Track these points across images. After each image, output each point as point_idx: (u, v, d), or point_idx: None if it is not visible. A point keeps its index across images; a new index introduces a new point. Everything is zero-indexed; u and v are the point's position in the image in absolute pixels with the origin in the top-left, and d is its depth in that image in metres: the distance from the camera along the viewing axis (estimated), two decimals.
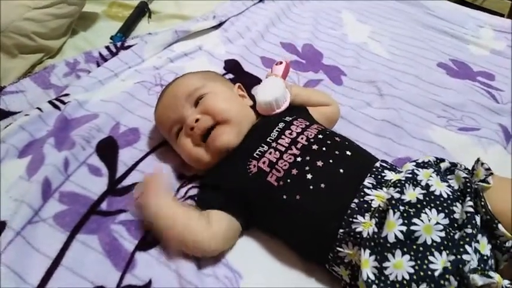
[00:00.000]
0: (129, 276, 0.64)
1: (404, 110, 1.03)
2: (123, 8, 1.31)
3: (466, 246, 0.56)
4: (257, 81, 1.05)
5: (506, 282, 0.57)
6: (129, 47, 1.11)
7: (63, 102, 0.90)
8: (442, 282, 0.54)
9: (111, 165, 0.79)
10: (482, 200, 0.61)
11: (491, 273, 0.56)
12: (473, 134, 0.97)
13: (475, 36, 1.36)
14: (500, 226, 0.60)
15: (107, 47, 1.10)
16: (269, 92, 0.79)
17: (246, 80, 0.98)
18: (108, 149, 0.81)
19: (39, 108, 0.87)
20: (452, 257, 0.55)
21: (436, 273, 0.55)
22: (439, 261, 0.56)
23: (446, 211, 0.60)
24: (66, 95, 0.93)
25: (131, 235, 0.69)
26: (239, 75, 1.07)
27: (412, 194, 0.61)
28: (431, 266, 0.56)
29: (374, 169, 0.68)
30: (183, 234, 0.65)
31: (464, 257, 0.55)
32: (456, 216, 0.60)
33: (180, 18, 1.30)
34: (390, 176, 0.67)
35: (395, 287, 0.56)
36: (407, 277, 0.55)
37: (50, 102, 0.90)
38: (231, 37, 1.21)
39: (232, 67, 1.09)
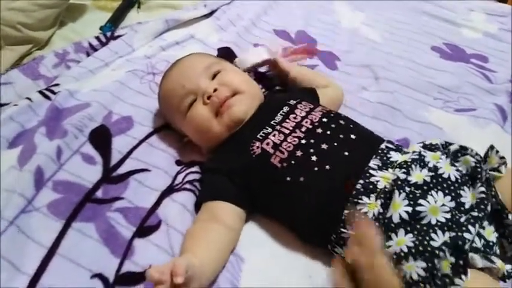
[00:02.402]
0: (129, 262, 0.62)
1: (400, 93, 1.02)
2: None
3: (469, 226, 0.55)
4: None
5: (508, 267, 0.57)
6: (119, 36, 1.09)
7: (54, 92, 0.88)
8: (437, 253, 0.53)
9: (105, 153, 0.77)
10: (493, 189, 0.61)
11: (494, 258, 0.55)
12: (470, 115, 0.96)
13: (466, 20, 1.36)
14: (510, 216, 0.60)
15: (97, 37, 1.08)
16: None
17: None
18: (101, 137, 0.79)
19: (28, 98, 0.85)
20: (453, 234, 0.55)
21: (435, 245, 0.54)
22: (440, 239, 0.55)
23: (453, 194, 0.59)
24: (56, 85, 0.91)
25: (129, 222, 0.67)
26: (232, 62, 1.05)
27: (418, 175, 0.61)
28: (432, 242, 0.55)
29: (379, 150, 0.67)
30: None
31: (465, 235, 0.54)
32: (463, 200, 0.59)
33: (170, 8, 1.28)
34: (396, 157, 0.66)
35: (392, 258, 0.55)
36: (405, 250, 0.55)
37: (40, 92, 0.88)
38: (223, 25, 1.19)
39: (226, 54, 1.07)
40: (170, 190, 0.73)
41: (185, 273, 0.50)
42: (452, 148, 0.67)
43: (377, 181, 0.62)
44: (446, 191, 0.59)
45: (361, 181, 0.63)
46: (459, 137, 0.88)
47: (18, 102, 0.84)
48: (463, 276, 0.52)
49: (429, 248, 0.54)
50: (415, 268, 0.53)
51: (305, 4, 1.38)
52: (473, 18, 1.38)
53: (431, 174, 0.61)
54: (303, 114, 0.72)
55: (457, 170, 0.62)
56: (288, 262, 0.67)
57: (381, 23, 1.31)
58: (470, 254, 0.54)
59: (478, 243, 0.57)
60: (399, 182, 0.60)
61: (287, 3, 1.38)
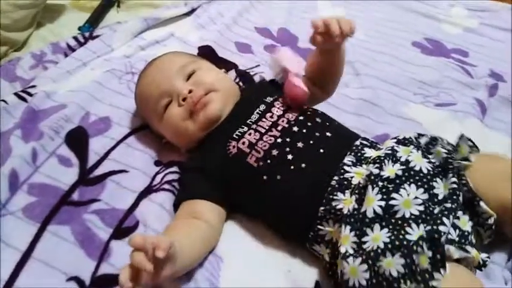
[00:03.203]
0: (105, 265, 0.62)
1: (381, 88, 1.02)
2: None
3: (444, 219, 0.56)
4: (232, 66, 1.03)
5: (484, 255, 0.57)
6: (97, 36, 1.08)
7: (30, 94, 0.87)
8: (415, 248, 0.53)
9: (81, 155, 0.76)
10: (463, 178, 0.62)
11: (468, 248, 0.56)
12: (450, 109, 0.97)
13: (447, 15, 1.37)
14: (482, 203, 0.60)
15: (75, 38, 1.07)
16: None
17: (220, 66, 0.96)
18: (77, 139, 0.79)
19: (4, 101, 0.84)
20: (428, 227, 0.55)
21: (411, 240, 0.54)
22: (416, 233, 0.55)
23: (426, 186, 0.59)
24: (33, 86, 0.89)
25: (105, 224, 0.66)
26: (213, 61, 1.04)
27: (391, 170, 0.61)
28: (408, 236, 0.55)
29: (354, 147, 0.67)
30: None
31: (441, 228, 0.54)
32: (436, 191, 0.59)
33: (150, 7, 1.26)
34: (370, 153, 0.66)
35: (370, 255, 0.55)
36: (382, 246, 0.55)
37: (16, 94, 0.86)
38: (203, 23, 1.18)
39: (206, 53, 1.07)
40: (148, 191, 0.72)
41: (168, 250, 0.48)
42: (423, 140, 0.68)
43: (351, 177, 0.63)
44: (419, 184, 0.59)
45: (336, 177, 0.63)
46: (439, 131, 0.87)
47: None
48: (441, 270, 0.51)
49: (405, 243, 0.54)
50: (394, 265, 0.53)
51: (286, 2, 1.37)
52: (454, 13, 1.39)
53: (402, 167, 0.61)
54: (280, 113, 0.71)
55: (429, 162, 0.62)
56: (267, 259, 0.66)
57: (362, 19, 1.31)
58: (447, 246, 0.54)
59: (454, 234, 0.58)
60: (372, 177, 0.60)
61: (269, 1, 1.37)
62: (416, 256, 0.52)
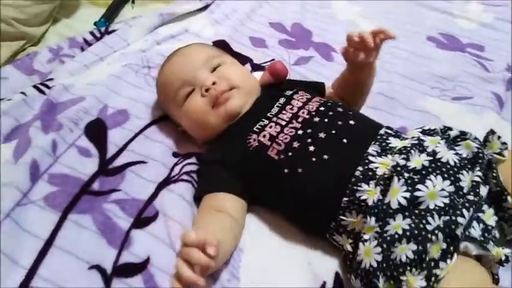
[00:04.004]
0: (126, 253, 0.61)
1: (398, 83, 1.02)
2: None
3: (464, 210, 0.55)
4: (247, 60, 1.03)
5: (507, 251, 0.56)
6: (113, 31, 1.08)
7: (48, 87, 0.87)
8: (429, 237, 0.53)
9: (100, 146, 0.76)
10: (495, 171, 0.61)
11: (490, 246, 0.55)
12: (467, 103, 0.96)
13: (462, 11, 1.36)
14: (509, 198, 0.60)
15: (91, 32, 1.07)
16: None
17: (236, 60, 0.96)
18: (96, 130, 0.79)
19: (23, 93, 0.84)
20: (447, 218, 0.54)
21: (428, 229, 0.54)
22: (435, 223, 0.54)
23: (452, 178, 0.58)
24: (51, 79, 0.90)
25: (126, 213, 0.66)
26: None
27: (417, 161, 0.60)
28: (427, 226, 0.54)
29: (378, 136, 0.66)
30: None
31: (459, 219, 0.53)
32: (462, 184, 0.58)
33: (165, 2, 1.27)
34: (395, 143, 0.65)
35: (386, 239, 0.55)
36: (400, 232, 0.54)
37: (35, 86, 0.87)
38: (218, 18, 1.19)
39: (221, 47, 1.07)
40: (167, 181, 0.72)
41: (217, 247, 0.51)
42: (452, 133, 0.67)
43: (376, 168, 0.62)
44: (445, 175, 0.58)
45: (360, 168, 0.62)
46: (456, 124, 0.86)
47: (13, 97, 0.83)
48: (448, 261, 0.51)
49: (423, 232, 0.53)
50: (406, 250, 0.53)
51: None
52: (470, 8, 1.38)
53: (429, 158, 0.60)
54: (300, 104, 0.71)
55: (456, 154, 0.61)
56: (287, 251, 0.66)
57: (377, 15, 1.31)
58: (465, 243, 0.54)
59: (477, 229, 0.57)
60: (398, 168, 0.59)
61: None
62: (430, 245, 0.52)
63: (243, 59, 1.02)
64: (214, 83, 0.72)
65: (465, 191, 0.58)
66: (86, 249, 0.61)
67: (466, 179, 0.59)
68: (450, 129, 0.68)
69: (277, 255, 0.66)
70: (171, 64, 0.79)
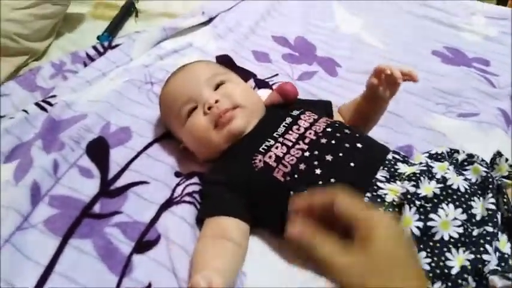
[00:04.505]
0: (127, 280, 0.60)
1: (403, 98, 1.00)
2: (109, 9, 1.27)
3: (487, 246, 0.53)
4: (250, 75, 1.02)
5: None
6: (116, 46, 1.08)
7: (50, 104, 0.86)
8: (459, 281, 0.51)
9: (102, 166, 0.75)
10: (505, 196, 0.59)
11: (511, 275, 0.53)
12: (473, 120, 0.95)
13: (467, 24, 1.35)
14: None
15: (94, 47, 1.07)
16: None
17: (239, 75, 0.95)
18: (98, 149, 0.78)
19: (25, 111, 0.83)
20: (471, 256, 0.53)
21: (453, 271, 0.53)
22: (456, 258, 0.53)
23: (464, 206, 0.57)
24: (53, 96, 0.89)
25: (127, 237, 0.65)
26: (232, 70, 1.04)
27: (428, 188, 0.59)
28: (448, 263, 0.53)
29: (387, 161, 0.65)
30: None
31: (485, 256, 0.52)
32: (474, 211, 0.57)
33: (168, 16, 1.27)
34: (403, 168, 0.64)
35: None
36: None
37: (37, 104, 0.86)
38: (221, 33, 1.18)
39: (225, 62, 1.06)
40: (169, 203, 0.71)
41: None
42: (460, 157, 0.66)
43: (385, 194, 0.60)
44: (457, 203, 0.57)
45: (368, 194, 0.61)
46: (463, 142, 0.86)
47: (15, 115, 0.82)
48: None
49: (446, 271, 0.52)
50: None
51: (304, 10, 1.37)
52: (474, 21, 1.37)
53: (440, 186, 0.59)
54: (307, 125, 0.70)
55: (465, 180, 0.60)
56: (291, 275, 0.65)
57: (381, 28, 1.30)
58: (491, 277, 0.52)
59: (494, 258, 0.55)
60: (409, 196, 0.58)
61: (286, 10, 1.37)
62: None
63: (246, 74, 1.02)
64: (217, 101, 0.72)
65: (478, 218, 0.57)
66: (87, 276, 0.60)
67: (477, 206, 0.58)
68: (457, 151, 0.67)
69: (281, 279, 0.64)
70: (175, 80, 0.79)
